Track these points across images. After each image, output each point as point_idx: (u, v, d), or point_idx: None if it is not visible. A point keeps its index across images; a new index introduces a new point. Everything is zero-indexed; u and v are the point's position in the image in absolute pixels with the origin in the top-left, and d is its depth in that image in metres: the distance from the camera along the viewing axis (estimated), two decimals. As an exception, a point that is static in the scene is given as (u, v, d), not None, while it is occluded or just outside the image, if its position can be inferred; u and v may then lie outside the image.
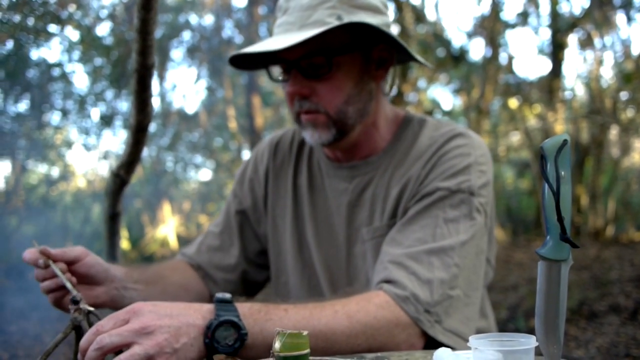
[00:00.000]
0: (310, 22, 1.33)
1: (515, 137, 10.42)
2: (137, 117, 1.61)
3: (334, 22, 1.33)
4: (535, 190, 9.79)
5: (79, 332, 1.05)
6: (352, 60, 1.39)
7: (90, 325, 1.04)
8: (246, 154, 12.62)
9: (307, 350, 0.93)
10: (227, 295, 1.07)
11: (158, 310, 0.99)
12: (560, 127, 8.70)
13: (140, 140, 1.68)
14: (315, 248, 1.53)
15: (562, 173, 0.90)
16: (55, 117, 12.02)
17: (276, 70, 1.46)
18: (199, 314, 1.03)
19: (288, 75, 1.40)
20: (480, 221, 1.36)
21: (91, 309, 1.03)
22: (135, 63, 1.54)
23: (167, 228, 10.77)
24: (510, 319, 4.96)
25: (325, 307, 1.16)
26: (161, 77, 12.64)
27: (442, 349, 0.94)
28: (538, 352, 0.90)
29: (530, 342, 0.85)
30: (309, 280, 1.54)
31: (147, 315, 0.97)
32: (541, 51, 9.57)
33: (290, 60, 1.37)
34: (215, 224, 1.67)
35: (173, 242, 10.66)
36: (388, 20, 1.43)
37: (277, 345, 0.92)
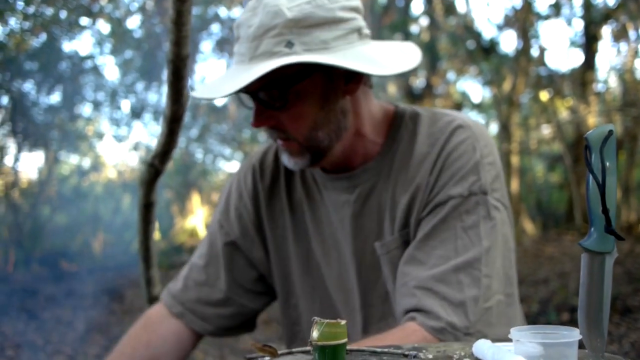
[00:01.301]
0: (259, 54, 1.26)
1: (547, 130, 10.27)
2: (171, 108, 1.62)
3: (283, 50, 1.24)
4: (567, 183, 9.64)
5: None
6: (312, 84, 1.30)
7: None
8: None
9: (345, 340, 0.93)
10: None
11: None
12: (593, 119, 8.56)
13: (174, 130, 1.69)
14: (325, 266, 1.49)
15: (608, 164, 0.88)
16: (86, 109, 12.19)
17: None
18: None
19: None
20: (499, 217, 1.33)
21: None
22: (170, 54, 1.55)
23: (196, 219, 10.87)
24: (542, 313, 4.91)
25: (383, 341, 1.14)
26: (191, 70, 12.72)
27: (482, 340, 0.93)
28: (581, 345, 0.89)
29: (573, 335, 0.84)
30: (320, 301, 1.50)
31: None
32: (574, 43, 9.40)
33: (249, 92, 1.30)
34: (199, 256, 1.59)
35: (202, 233, 10.75)
36: (355, 24, 1.31)
37: (314, 334, 0.93)
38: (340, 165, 1.43)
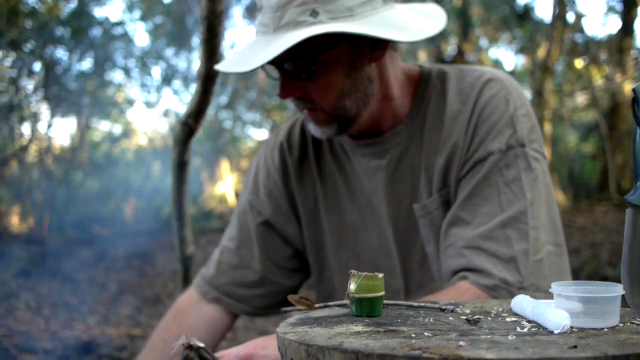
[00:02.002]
0: (284, 24, 1.22)
1: (581, 98, 10.07)
2: (206, 66, 1.62)
3: (308, 20, 1.21)
4: (600, 153, 9.48)
5: None
6: (338, 53, 1.27)
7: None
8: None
9: (382, 293, 0.92)
10: None
11: (269, 356, 1.05)
12: (629, 87, 8.35)
13: (208, 89, 1.68)
14: (364, 235, 1.47)
15: (656, 116, 0.85)
16: (117, 76, 12.28)
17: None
18: None
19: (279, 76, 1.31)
20: (540, 168, 1.31)
21: (202, 344, 1.02)
22: (204, 10, 1.54)
23: (225, 185, 10.96)
24: (572, 283, 4.87)
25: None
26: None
27: (521, 296, 0.92)
28: (624, 304, 0.87)
29: (616, 289, 0.82)
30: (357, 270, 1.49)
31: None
32: (611, 9, 9.15)
33: (274, 63, 1.26)
34: (229, 239, 1.57)
35: (231, 199, 10.84)
36: None
37: (352, 286, 0.92)
38: (368, 131, 1.41)
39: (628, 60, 8.54)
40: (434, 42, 11.51)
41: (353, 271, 0.94)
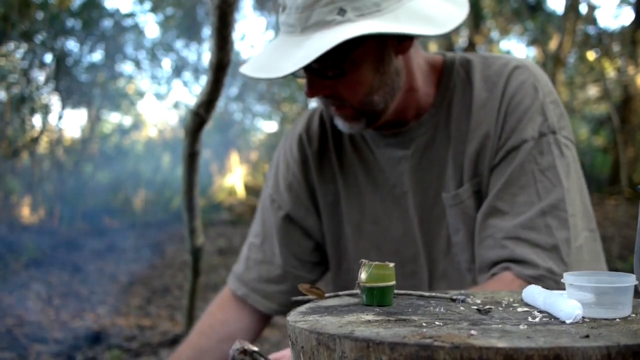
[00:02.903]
0: (311, 24, 1.21)
1: (592, 91, 9.99)
2: (217, 55, 1.62)
3: (336, 19, 1.19)
4: (612, 147, 9.42)
5: None
6: (367, 50, 1.26)
7: None
8: (312, 105, 12.56)
9: (393, 282, 0.92)
10: None
11: None
12: (642, 80, 8.28)
13: (219, 78, 1.68)
14: (388, 225, 1.45)
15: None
16: (127, 67, 12.30)
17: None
18: None
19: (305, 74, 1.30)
20: (571, 155, 1.30)
21: (255, 348, 1.01)
22: None
23: (235, 177, 10.97)
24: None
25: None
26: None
27: (532, 286, 0.91)
28: (636, 294, 0.86)
29: (628, 280, 0.82)
30: (389, 259, 1.46)
31: None
32: (624, 0, 9.05)
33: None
34: (254, 235, 1.58)
35: (240, 191, 10.86)
36: None
37: (363, 276, 0.92)
38: (392, 122, 1.39)
39: (641, 53, 8.45)
40: (445, 34, 11.43)
41: (364, 260, 0.94)
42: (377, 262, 0.93)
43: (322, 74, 1.26)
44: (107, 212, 10.15)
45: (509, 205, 1.26)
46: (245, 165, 11.81)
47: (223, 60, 1.62)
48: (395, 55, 1.30)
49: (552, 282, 1.19)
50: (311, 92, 1.28)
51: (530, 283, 1.16)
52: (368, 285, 0.91)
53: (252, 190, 10.42)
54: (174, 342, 3.42)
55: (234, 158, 11.19)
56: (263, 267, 1.53)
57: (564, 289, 0.85)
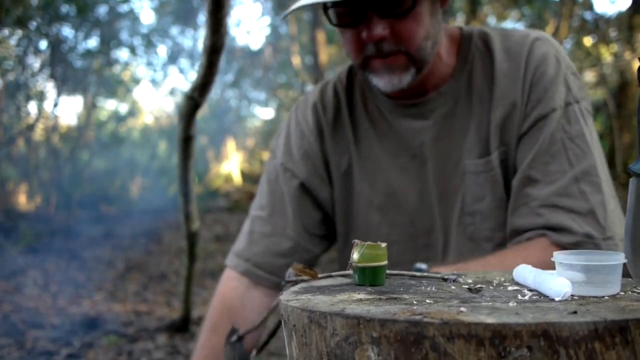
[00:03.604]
0: None
1: (589, 77, 9.99)
2: (211, 39, 1.61)
3: None
4: (607, 132, 9.43)
5: None
6: None
7: None
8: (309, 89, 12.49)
9: (385, 262, 0.93)
10: (424, 266, 1.03)
11: None
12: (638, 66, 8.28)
13: (214, 62, 1.68)
14: (401, 195, 1.43)
15: (662, 86, 0.85)
16: (123, 54, 12.25)
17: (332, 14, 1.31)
18: None
19: (354, 19, 1.27)
20: (592, 122, 1.33)
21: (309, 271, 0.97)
22: (210, -18, 1.53)
23: (231, 164, 10.97)
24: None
25: (506, 259, 1.13)
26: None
27: (522, 265, 0.92)
28: (625, 274, 0.87)
29: (617, 258, 0.82)
30: (385, 237, 1.44)
31: None
32: (622, -15, 9.02)
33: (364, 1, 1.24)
34: (259, 207, 1.51)
35: (237, 178, 10.86)
36: None
37: (355, 256, 0.93)
38: (414, 91, 1.38)
39: (638, 38, 8.45)
40: (444, 19, 11.40)
41: (356, 240, 0.95)
42: (369, 242, 0.93)
43: (385, 11, 1.24)
44: (104, 199, 10.16)
45: (542, 174, 1.26)
46: (242, 152, 11.80)
47: (217, 44, 1.62)
48: (440, 4, 1.32)
49: (592, 246, 1.19)
50: (374, 33, 1.25)
51: (567, 249, 1.16)
52: (360, 265, 0.92)
53: (249, 177, 10.43)
54: (170, 327, 3.44)
55: (231, 145, 11.18)
56: (272, 240, 1.48)
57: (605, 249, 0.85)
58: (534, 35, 1.35)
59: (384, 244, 0.93)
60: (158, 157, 12.35)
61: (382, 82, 1.32)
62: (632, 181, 0.87)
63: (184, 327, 3.41)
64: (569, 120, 1.29)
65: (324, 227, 1.52)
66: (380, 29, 1.25)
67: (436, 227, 1.41)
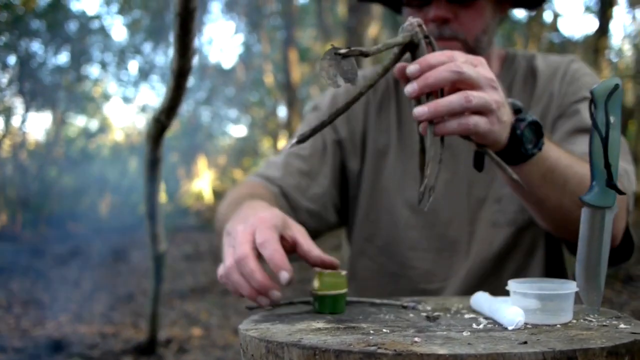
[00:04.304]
0: None
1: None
2: (178, 62, 1.62)
3: None
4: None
5: (413, 49, 0.95)
6: None
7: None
8: (281, 110, 12.57)
9: (345, 290, 0.94)
10: (519, 103, 1.04)
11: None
12: (603, 88, 8.47)
13: (181, 85, 1.68)
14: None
15: (612, 119, 0.87)
16: (94, 70, 12.16)
17: None
18: (508, 104, 1.01)
19: (422, 1, 1.33)
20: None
21: (430, 36, 0.97)
22: (177, 6, 1.53)
23: (203, 182, 10.91)
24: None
25: (580, 158, 1.12)
26: (199, 31, 12.62)
27: (480, 293, 0.94)
28: (577, 300, 0.89)
29: (570, 287, 0.84)
30: (406, 219, 1.44)
31: (490, 70, 0.98)
32: (588, 9, 9.27)
33: None
34: (298, 147, 1.44)
35: (208, 196, 10.79)
36: None
37: (315, 284, 0.94)
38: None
39: (603, 61, 8.66)
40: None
41: (317, 269, 0.96)
42: (329, 271, 0.94)
43: None
44: (72, 217, 10.01)
45: (577, 148, 1.27)
46: (213, 169, 11.75)
47: (184, 67, 1.62)
48: (500, 10, 1.39)
49: (628, 185, 1.20)
50: (438, 12, 1.30)
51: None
52: (320, 293, 0.93)
53: (220, 196, 10.37)
54: (136, 349, 3.39)
55: (202, 163, 11.13)
56: (305, 179, 1.43)
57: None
58: (571, 57, 1.46)
59: (344, 272, 0.94)
60: (128, 175, 12.23)
61: None
62: (584, 211, 0.89)
63: (150, 349, 3.36)
64: None
65: (342, 199, 1.50)
66: (445, 11, 1.31)
67: (461, 217, 1.41)
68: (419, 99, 0.92)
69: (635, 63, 8.80)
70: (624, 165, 1.24)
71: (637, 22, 8.67)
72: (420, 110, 0.91)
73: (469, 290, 1.24)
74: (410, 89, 0.91)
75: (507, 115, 0.97)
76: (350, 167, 1.49)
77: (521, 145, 0.99)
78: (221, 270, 0.99)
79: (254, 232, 0.96)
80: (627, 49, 9.19)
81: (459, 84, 0.92)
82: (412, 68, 0.92)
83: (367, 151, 1.49)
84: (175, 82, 1.68)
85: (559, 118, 1.36)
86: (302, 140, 0.87)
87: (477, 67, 0.95)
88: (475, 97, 0.91)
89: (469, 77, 0.92)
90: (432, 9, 1.31)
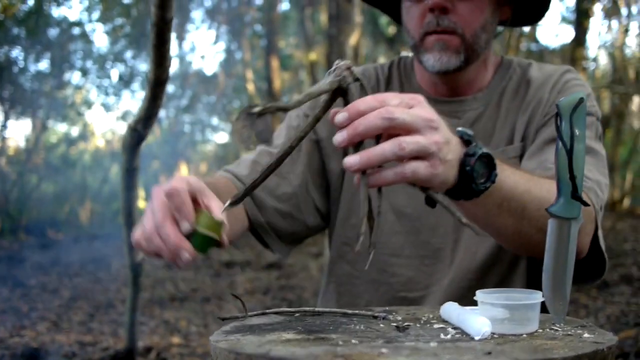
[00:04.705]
0: None
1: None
2: (155, 72, 1.62)
3: None
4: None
5: (343, 95, 0.90)
6: None
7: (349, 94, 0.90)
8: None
9: (216, 237, 0.94)
10: (469, 131, 0.97)
11: (433, 110, 0.92)
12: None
13: (157, 95, 1.68)
14: (415, 191, 1.44)
15: (577, 132, 0.89)
16: (75, 77, 12.07)
17: None
18: (455, 137, 0.94)
19: None
20: (602, 148, 1.37)
21: (360, 78, 0.91)
22: (154, 17, 1.54)
23: (184, 189, 10.86)
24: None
25: (540, 177, 1.12)
26: (180, 38, 12.62)
27: (449, 303, 0.95)
28: (544, 309, 0.91)
29: (536, 297, 0.86)
30: (409, 224, 1.42)
31: (429, 108, 0.90)
32: (565, 19, 9.40)
33: None
34: (272, 145, 1.44)
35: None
36: None
37: (195, 220, 0.94)
38: (453, 90, 1.43)
39: (580, 70, 8.77)
40: (394, 48, 11.62)
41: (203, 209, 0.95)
42: (210, 214, 0.94)
43: None
44: (52, 224, 9.92)
45: (548, 156, 1.29)
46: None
47: (161, 77, 1.63)
48: (499, 12, 1.39)
49: (595, 200, 1.20)
50: (437, 1, 1.29)
51: (584, 190, 1.15)
52: (196, 228, 0.93)
53: (202, 202, 10.33)
54: (114, 358, 3.37)
55: (184, 169, 11.09)
56: (273, 178, 1.37)
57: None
58: (566, 67, 1.46)
59: (224, 221, 0.94)
60: (109, 181, 12.14)
61: (431, 59, 1.35)
62: (550, 222, 0.91)
63: (128, 358, 3.34)
64: (586, 126, 1.34)
65: (323, 200, 1.48)
66: (445, 0, 1.30)
67: (446, 224, 1.39)
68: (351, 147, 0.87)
69: (610, 73, 8.93)
70: (597, 178, 1.25)
71: (613, 32, 8.80)
72: (351, 160, 0.85)
73: (451, 300, 1.25)
74: (339, 138, 0.85)
75: (452, 153, 0.90)
76: (331, 168, 1.46)
77: (472, 181, 0.93)
78: (139, 234, 0.98)
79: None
80: (603, 59, 9.33)
81: (392, 130, 0.86)
82: (339, 117, 0.86)
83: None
84: (152, 91, 1.68)
85: (542, 126, 1.37)
86: (235, 202, 0.88)
87: (413, 107, 0.89)
88: (410, 143, 0.85)
89: (402, 122, 0.85)
90: None
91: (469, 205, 0.99)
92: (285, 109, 0.85)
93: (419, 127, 0.86)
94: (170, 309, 4.90)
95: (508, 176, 1.03)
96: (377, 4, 1.56)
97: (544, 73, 1.44)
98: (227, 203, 0.88)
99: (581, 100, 0.89)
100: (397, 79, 1.51)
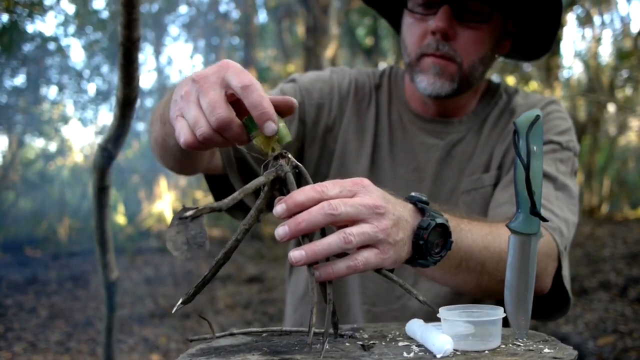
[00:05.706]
0: None
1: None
2: (123, 91, 1.61)
3: None
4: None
5: (280, 184, 0.88)
6: (497, 20, 1.36)
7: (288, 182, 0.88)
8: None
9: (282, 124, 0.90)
10: (424, 197, 0.95)
11: (380, 191, 0.90)
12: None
13: (127, 114, 1.67)
14: None
15: (534, 148, 0.91)
16: (51, 92, 11.96)
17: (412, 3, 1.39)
18: (407, 210, 0.92)
19: (430, 10, 1.34)
20: (576, 185, 1.39)
21: (299, 164, 0.89)
22: (120, 36, 1.53)
23: (164, 203, 10.79)
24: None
25: (499, 227, 1.11)
26: (157, 52, 12.58)
27: (414, 320, 0.95)
28: (505, 324, 0.92)
29: (498, 313, 0.87)
30: None
31: (375, 193, 0.88)
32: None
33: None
34: None
35: (169, 218, 10.67)
36: None
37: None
38: (441, 112, 1.44)
39: (555, 79, 8.88)
40: (371, 59, 11.69)
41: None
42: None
43: (459, 14, 1.32)
44: (29, 241, 9.78)
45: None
46: (174, 191, 11.63)
47: (130, 96, 1.62)
48: (498, 47, 1.41)
49: (560, 241, 1.21)
50: (442, 24, 1.30)
51: (547, 230, 1.19)
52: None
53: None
54: (92, 378, 3.33)
55: (163, 184, 11.01)
56: None
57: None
58: (551, 98, 1.49)
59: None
60: (88, 198, 12.02)
61: (425, 81, 1.36)
62: (510, 238, 0.92)
63: (107, 377, 3.30)
64: (562, 159, 1.36)
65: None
66: (448, 25, 1.31)
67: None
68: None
69: (585, 81, 9.05)
70: (566, 216, 1.27)
71: (587, 41, 8.93)
72: (297, 255, 0.83)
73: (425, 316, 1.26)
74: (281, 233, 0.83)
75: (403, 231, 0.89)
76: (308, 155, 1.48)
77: (426, 253, 0.92)
78: (173, 110, 0.91)
79: (223, 75, 0.88)
80: (578, 67, 9.45)
81: (336, 224, 0.85)
82: (278, 209, 0.84)
83: (333, 150, 1.48)
84: (121, 111, 1.67)
85: None
86: (186, 302, 0.86)
87: (355, 195, 0.87)
88: (357, 235, 0.84)
89: (345, 215, 0.84)
90: (434, 20, 1.32)
91: (426, 270, 0.99)
92: (219, 209, 0.83)
93: (364, 216, 0.85)
94: (149, 325, 4.86)
95: (466, 235, 1.03)
96: (378, 7, 1.56)
97: (528, 102, 1.46)
98: (179, 302, 0.85)
99: (537, 117, 0.91)
100: (386, 88, 1.53)
